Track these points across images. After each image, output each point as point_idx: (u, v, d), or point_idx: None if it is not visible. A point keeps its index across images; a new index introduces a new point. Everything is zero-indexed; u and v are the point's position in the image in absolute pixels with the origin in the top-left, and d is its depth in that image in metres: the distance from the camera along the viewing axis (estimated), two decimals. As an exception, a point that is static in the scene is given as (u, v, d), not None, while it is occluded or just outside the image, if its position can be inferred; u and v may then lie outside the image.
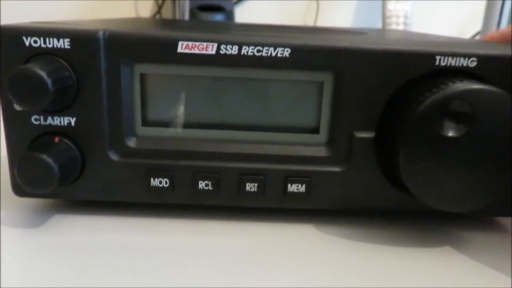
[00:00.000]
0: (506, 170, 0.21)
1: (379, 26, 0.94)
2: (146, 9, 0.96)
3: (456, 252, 0.23)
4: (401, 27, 0.89)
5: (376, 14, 0.97)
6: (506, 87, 0.22)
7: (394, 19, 0.92)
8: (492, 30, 0.83)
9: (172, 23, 0.36)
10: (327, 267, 0.21)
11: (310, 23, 0.98)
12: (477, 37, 0.91)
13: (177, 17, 0.86)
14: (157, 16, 0.94)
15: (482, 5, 0.83)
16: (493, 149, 0.21)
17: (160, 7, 0.94)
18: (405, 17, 0.92)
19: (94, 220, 0.25)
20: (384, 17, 0.91)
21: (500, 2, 0.81)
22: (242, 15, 0.97)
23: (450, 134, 0.20)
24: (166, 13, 0.95)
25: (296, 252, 0.23)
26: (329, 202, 0.25)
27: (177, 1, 0.86)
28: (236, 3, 0.97)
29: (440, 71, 0.23)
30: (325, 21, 0.98)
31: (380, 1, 0.92)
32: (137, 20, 0.40)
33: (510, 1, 0.82)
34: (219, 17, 0.95)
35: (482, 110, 0.20)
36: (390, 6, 0.91)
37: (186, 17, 0.87)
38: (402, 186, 0.22)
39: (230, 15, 0.93)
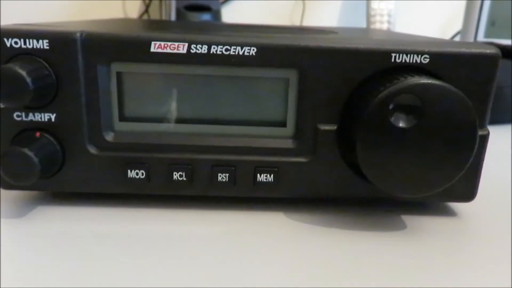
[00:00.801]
0: (454, 158, 0.23)
1: (364, 25, 0.96)
2: (134, 9, 0.97)
3: (413, 235, 0.25)
4: (385, 26, 0.91)
5: (361, 13, 0.99)
6: (457, 82, 0.24)
7: (378, 18, 0.93)
8: (472, 30, 0.85)
9: (153, 24, 0.38)
10: (296, 252, 0.23)
11: (296, 22, 0.99)
12: (458, 36, 0.93)
13: (164, 16, 0.87)
14: (145, 16, 0.95)
15: (464, 5, 0.85)
16: (441, 139, 0.22)
17: (147, 7, 0.95)
18: (389, 15, 0.93)
19: (75, 211, 0.26)
20: (368, 16, 0.93)
21: (479, 2, 0.83)
22: (229, 15, 0.98)
23: (401, 125, 0.22)
24: (154, 13, 0.96)
25: (267, 238, 0.24)
26: (296, 191, 0.26)
27: (163, 1, 0.87)
28: (223, 3, 0.98)
29: (396, 67, 0.24)
30: (311, 21, 0.99)
31: (365, 1, 0.94)
32: (122, 21, 0.42)
33: (488, 1, 0.84)
34: (206, 16, 0.96)
35: (431, 103, 0.22)
36: (374, 5, 0.93)
37: (173, 16, 0.88)
38: (362, 174, 0.24)
39: (217, 15, 0.94)
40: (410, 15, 1.00)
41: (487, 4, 0.84)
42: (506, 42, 0.82)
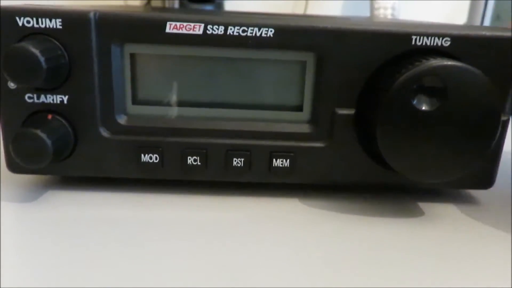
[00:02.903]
0: (476, 143, 0.22)
1: (367, 17, 0.95)
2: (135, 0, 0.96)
3: (431, 223, 0.25)
4: (389, 18, 0.91)
5: (364, 7, 0.98)
6: (478, 65, 0.23)
7: (382, 11, 0.93)
8: (477, 24, 0.85)
9: (163, 9, 0.37)
10: (311, 239, 0.23)
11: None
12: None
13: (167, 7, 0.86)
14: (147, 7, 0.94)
15: (468, -2, 0.84)
16: (463, 122, 0.22)
17: (149, -1, 0.94)
18: (393, 8, 0.93)
19: (86, 196, 0.25)
20: (372, 9, 0.92)
21: (484, -5, 0.83)
22: (232, 7, 0.97)
23: (423, 108, 0.22)
24: (156, 3, 0.95)
25: (282, 225, 0.24)
26: (312, 176, 0.26)
27: (166, -8, 0.86)
28: (225, -6, 0.98)
29: (416, 50, 0.24)
30: (314, 13, 0.99)
31: (369, -6, 0.94)
32: (127, 6, 0.41)
33: (494, -7, 0.83)
34: (208, 8, 0.95)
35: (454, 85, 0.21)
36: (378, -2, 0.93)
37: (176, 7, 0.88)
38: (381, 159, 0.24)
39: (219, 6, 0.93)
40: (414, 9, 0.99)
41: (492, -3, 0.83)
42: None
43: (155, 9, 0.36)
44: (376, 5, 0.93)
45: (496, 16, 0.86)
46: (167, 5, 0.91)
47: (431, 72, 0.21)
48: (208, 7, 0.97)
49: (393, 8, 0.93)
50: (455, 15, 1.00)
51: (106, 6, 0.34)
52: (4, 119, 0.24)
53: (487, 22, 0.85)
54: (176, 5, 0.90)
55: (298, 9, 0.98)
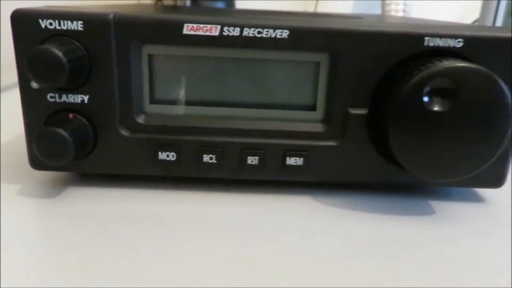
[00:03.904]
0: (487, 142, 0.23)
1: (379, 12, 0.95)
2: (147, -3, 0.97)
3: (442, 220, 0.25)
4: (400, 14, 0.90)
5: (376, 2, 0.98)
6: (491, 65, 0.23)
7: (393, 7, 0.93)
8: (489, 19, 0.84)
9: (177, 8, 0.38)
10: (323, 235, 0.23)
11: (310, 9, 0.99)
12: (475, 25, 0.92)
13: (179, 3, 0.87)
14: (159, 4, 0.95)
15: (481, -6, 0.84)
16: (476, 122, 0.22)
17: (161, -5, 0.95)
18: (405, 4, 0.93)
19: (105, 192, 0.26)
20: (383, 4, 0.92)
21: (498, -10, 0.82)
22: (243, 2, 0.98)
23: (435, 109, 0.22)
24: (167, 2, 0.96)
25: (295, 222, 0.24)
26: (325, 174, 0.26)
27: (178, -12, 0.87)
28: (236, -10, 0.98)
29: (429, 51, 0.24)
30: (325, 8, 0.99)
31: (380, -11, 0.93)
32: (141, 5, 0.42)
33: (508, -11, 0.82)
34: (219, 4, 0.96)
35: (466, 86, 0.22)
36: (390, -7, 0.92)
37: (188, 3, 0.88)
38: (393, 159, 0.24)
39: (230, 2, 0.94)
40: (425, 6, 0.99)
41: (506, -8, 0.82)
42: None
43: (171, 9, 0.37)
44: (387, 1, 0.93)
45: (509, 12, 0.85)
46: (178, 3, 0.91)
47: (443, 73, 0.22)
48: (220, 3, 0.97)
49: (404, 4, 0.93)
50: (467, 12, 0.99)
51: (120, 5, 0.35)
52: (27, 118, 0.25)
53: (499, 19, 0.84)
54: (188, 2, 0.91)
55: (310, 4, 0.98)
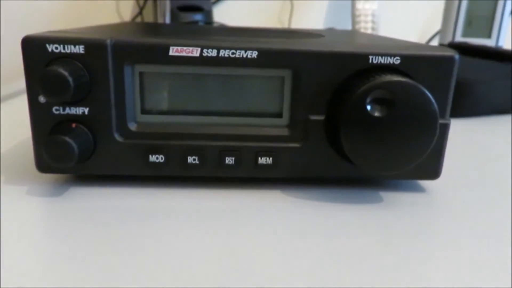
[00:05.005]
0: (420, 141, 0.28)
1: (350, 24, 1.01)
2: (127, 9, 1.01)
3: (387, 207, 0.30)
4: (369, 25, 0.96)
5: (347, 13, 1.04)
6: (423, 79, 0.29)
7: (362, 18, 0.99)
8: (450, 29, 0.91)
9: (161, 28, 0.42)
10: (290, 222, 0.28)
11: (285, 22, 1.04)
12: (438, 35, 0.99)
13: (159, 17, 0.91)
14: (139, 17, 0.99)
15: (443, 5, 0.90)
16: (409, 126, 0.27)
17: (141, 9, 0.99)
18: (373, 15, 0.99)
19: (104, 191, 0.30)
20: (353, 16, 0.98)
21: (457, 3, 0.89)
22: (220, 14, 1.03)
23: (376, 115, 0.27)
24: (147, 13, 1.00)
25: (267, 211, 0.29)
26: (291, 171, 0.31)
27: (158, 2, 0.91)
28: (214, 3, 1.03)
29: (374, 67, 0.29)
30: (299, 20, 1.04)
31: (350, 1, 0.99)
32: (129, 25, 0.46)
33: (466, 2, 0.89)
34: (198, 16, 1.00)
35: (400, 96, 0.27)
36: (359, 5, 0.98)
37: (167, 17, 0.92)
38: (346, 156, 0.29)
39: (208, 14, 0.98)
40: (393, 16, 1.05)
41: (464, 5, 0.89)
42: (482, 41, 0.88)
43: (156, 29, 0.41)
44: (357, 12, 0.99)
45: (469, 22, 0.92)
46: (158, 13, 0.95)
47: (382, 86, 0.27)
48: (198, 15, 1.02)
49: (373, 15, 0.99)
50: (433, 19, 1.06)
51: (114, 26, 0.39)
52: (34, 128, 0.29)
53: (460, 28, 0.91)
54: (168, 14, 0.95)
55: (284, 15, 1.04)
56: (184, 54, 0.29)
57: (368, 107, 0.27)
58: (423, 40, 1.09)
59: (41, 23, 0.94)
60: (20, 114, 0.49)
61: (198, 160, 0.30)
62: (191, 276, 0.22)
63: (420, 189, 0.33)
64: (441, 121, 0.29)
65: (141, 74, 0.30)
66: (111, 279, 0.21)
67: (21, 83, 0.66)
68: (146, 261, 0.23)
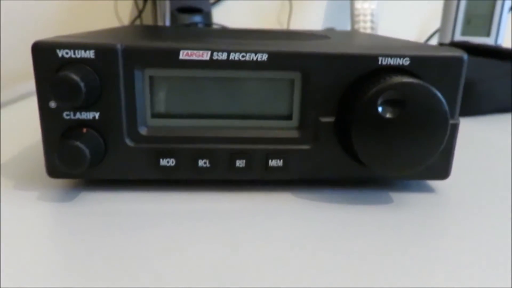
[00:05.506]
0: (430, 142, 0.28)
1: (349, 23, 1.01)
2: (125, 11, 1.01)
3: (398, 208, 0.30)
4: (368, 25, 0.97)
5: (345, 13, 1.04)
6: (432, 79, 0.29)
7: (361, 18, 0.99)
8: (449, 28, 0.91)
9: (168, 32, 0.42)
10: (301, 224, 0.28)
11: (283, 22, 1.04)
12: (437, 34, 0.99)
13: (158, 19, 0.91)
14: (138, 20, 0.99)
15: (442, 4, 0.91)
16: (420, 126, 0.28)
17: (140, 12, 0.99)
18: (372, 15, 0.99)
19: (115, 195, 0.30)
20: (352, 16, 0.98)
21: (456, 2, 0.89)
22: (219, 15, 1.03)
23: (388, 116, 0.27)
24: (146, 15, 0.99)
25: (278, 213, 0.29)
26: (301, 173, 0.31)
27: (158, 4, 0.91)
28: (213, 4, 1.03)
29: (383, 68, 0.29)
30: (298, 20, 1.05)
31: (348, 1, 1.00)
32: (134, 28, 0.46)
33: (465, 1, 0.89)
34: (197, 18, 1.00)
35: (410, 97, 0.27)
36: (358, 5, 0.99)
37: (167, 19, 0.92)
38: (357, 158, 0.29)
39: (208, 16, 0.98)
40: (392, 15, 1.06)
41: (463, 4, 0.89)
42: (481, 39, 0.88)
43: (163, 31, 0.41)
44: (356, 12, 0.99)
45: (468, 21, 0.92)
46: (158, 15, 0.95)
47: (392, 87, 0.27)
48: (197, 17, 1.02)
49: (372, 15, 1.00)
50: (431, 19, 1.07)
51: (119, 30, 0.39)
52: (45, 133, 0.29)
53: (459, 26, 0.91)
54: (168, 16, 0.95)
55: (283, 15, 1.04)
56: (194, 57, 0.29)
57: (380, 109, 0.27)
58: (421, 39, 1.09)
59: (39, 26, 0.94)
60: (21, 120, 0.49)
61: (209, 163, 0.30)
62: (203, 279, 0.22)
63: (429, 189, 0.33)
64: (450, 121, 0.29)
65: (151, 78, 0.30)
66: (123, 283, 0.21)
67: (19, 89, 0.66)
68: (159, 265, 0.23)
